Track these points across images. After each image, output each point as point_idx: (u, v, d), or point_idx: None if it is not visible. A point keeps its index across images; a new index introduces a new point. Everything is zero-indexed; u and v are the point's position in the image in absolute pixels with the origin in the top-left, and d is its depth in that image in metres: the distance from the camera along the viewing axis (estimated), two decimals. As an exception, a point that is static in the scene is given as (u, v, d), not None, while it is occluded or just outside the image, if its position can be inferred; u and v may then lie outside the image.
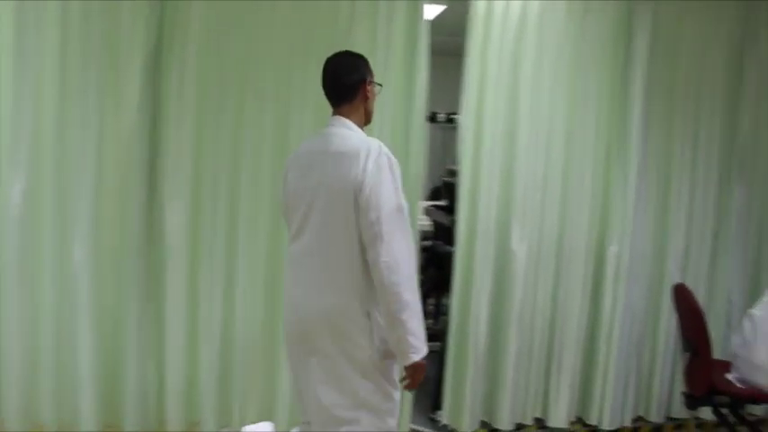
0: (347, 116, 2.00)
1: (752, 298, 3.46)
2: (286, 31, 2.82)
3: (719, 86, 3.33)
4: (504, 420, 3.16)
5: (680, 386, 3.37)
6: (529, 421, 3.24)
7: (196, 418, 2.88)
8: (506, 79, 3.05)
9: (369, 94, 2.03)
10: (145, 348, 2.81)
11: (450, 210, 4.09)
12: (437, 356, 3.27)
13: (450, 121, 6.51)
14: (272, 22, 2.82)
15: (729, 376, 2.72)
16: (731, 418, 2.72)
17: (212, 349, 2.87)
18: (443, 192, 4.27)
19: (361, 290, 1.87)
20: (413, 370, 1.86)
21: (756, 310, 2.71)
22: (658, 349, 3.36)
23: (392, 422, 1.96)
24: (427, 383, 2.72)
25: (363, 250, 1.84)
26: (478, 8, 3.01)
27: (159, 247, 2.79)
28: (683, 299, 2.77)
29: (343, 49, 2.06)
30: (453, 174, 3.93)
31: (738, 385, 2.66)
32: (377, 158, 1.85)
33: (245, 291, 2.90)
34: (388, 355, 1.91)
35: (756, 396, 2.60)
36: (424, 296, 3.68)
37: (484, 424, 3.20)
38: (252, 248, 2.89)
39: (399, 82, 2.94)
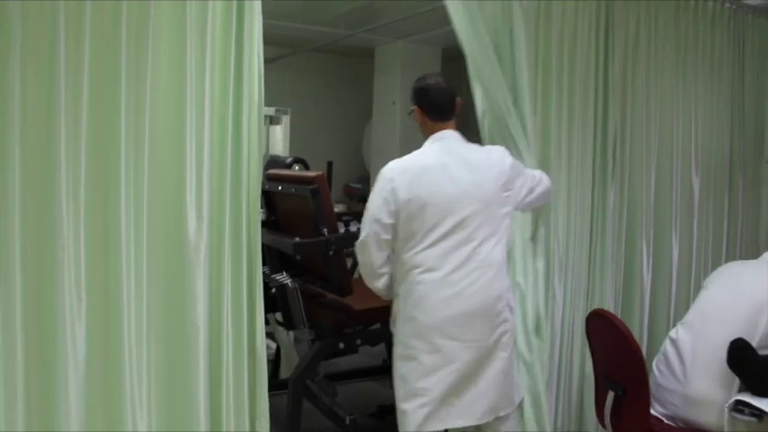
0: (452, 129, 2.30)
1: (625, 307, 3.19)
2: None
3: (591, 79, 2.96)
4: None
5: (563, 418, 2.98)
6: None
7: None
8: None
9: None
10: None
11: (272, 225, 3.21)
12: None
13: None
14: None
15: (655, 413, 2.31)
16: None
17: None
18: (262, 202, 3.35)
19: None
20: None
21: (682, 334, 2.34)
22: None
23: None
24: None
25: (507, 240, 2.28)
26: None
27: None
28: (607, 329, 2.29)
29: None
30: (277, 180, 3.06)
31: (671, 424, 2.26)
32: (509, 157, 2.29)
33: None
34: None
35: (697, 436, 2.21)
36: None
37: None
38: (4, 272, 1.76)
39: (225, 74, 2.10)
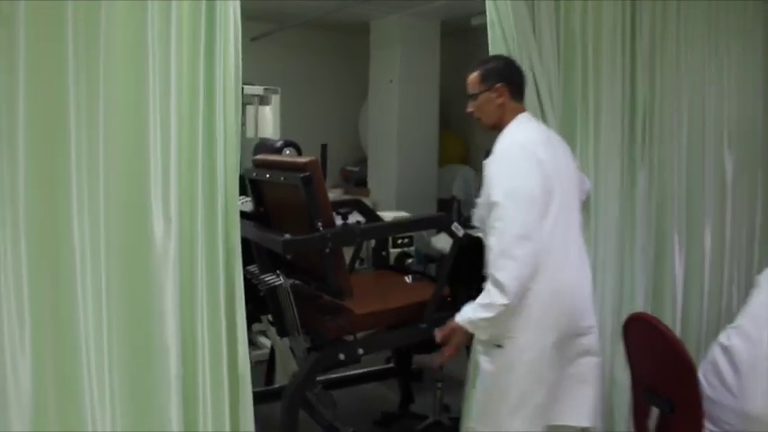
0: None
1: (656, 301, 2.87)
2: None
3: (618, 51, 2.65)
4: None
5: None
6: None
7: None
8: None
9: None
10: None
11: (261, 218, 2.84)
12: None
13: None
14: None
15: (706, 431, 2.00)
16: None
17: None
18: (249, 191, 2.97)
19: None
20: None
21: (735, 340, 2.02)
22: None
23: None
24: None
25: None
26: None
27: None
28: (649, 335, 1.98)
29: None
30: (266, 167, 2.69)
31: (727, 445, 1.95)
32: None
33: None
34: None
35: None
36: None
37: None
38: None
39: (194, 51, 1.77)
